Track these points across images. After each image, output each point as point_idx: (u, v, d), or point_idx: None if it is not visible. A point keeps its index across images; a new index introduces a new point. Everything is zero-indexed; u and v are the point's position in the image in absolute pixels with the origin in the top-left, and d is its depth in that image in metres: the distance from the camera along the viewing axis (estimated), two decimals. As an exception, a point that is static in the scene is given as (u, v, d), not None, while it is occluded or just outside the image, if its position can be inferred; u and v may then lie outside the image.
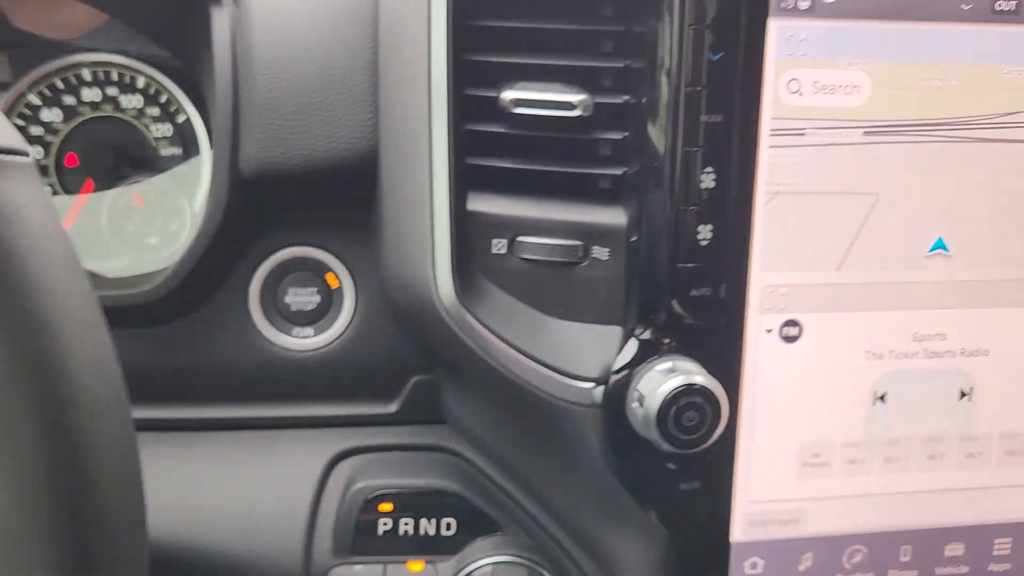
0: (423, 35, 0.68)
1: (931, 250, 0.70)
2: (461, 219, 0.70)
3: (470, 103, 0.69)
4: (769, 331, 0.70)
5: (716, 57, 0.64)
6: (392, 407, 0.80)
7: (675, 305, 0.67)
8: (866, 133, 0.67)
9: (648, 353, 0.68)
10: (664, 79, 0.64)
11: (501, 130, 0.69)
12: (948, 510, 0.76)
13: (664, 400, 0.64)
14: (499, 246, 0.71)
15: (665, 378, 0.65)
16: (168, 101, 0.87)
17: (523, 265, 0.71)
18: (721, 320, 0.68)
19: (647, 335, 0.68)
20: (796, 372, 0.71)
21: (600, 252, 0.70)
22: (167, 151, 0.88)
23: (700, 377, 0.65)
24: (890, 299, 0.71)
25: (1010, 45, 0.68)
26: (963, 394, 0.74)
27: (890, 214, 0.69)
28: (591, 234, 0.70)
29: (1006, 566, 0.78)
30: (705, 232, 0.67)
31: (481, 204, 0.71)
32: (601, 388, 0.68)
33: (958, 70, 0.68)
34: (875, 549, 0.75)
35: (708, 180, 0.66)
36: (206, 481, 0.78)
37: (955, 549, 0.77)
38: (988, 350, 0.73)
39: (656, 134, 0.65)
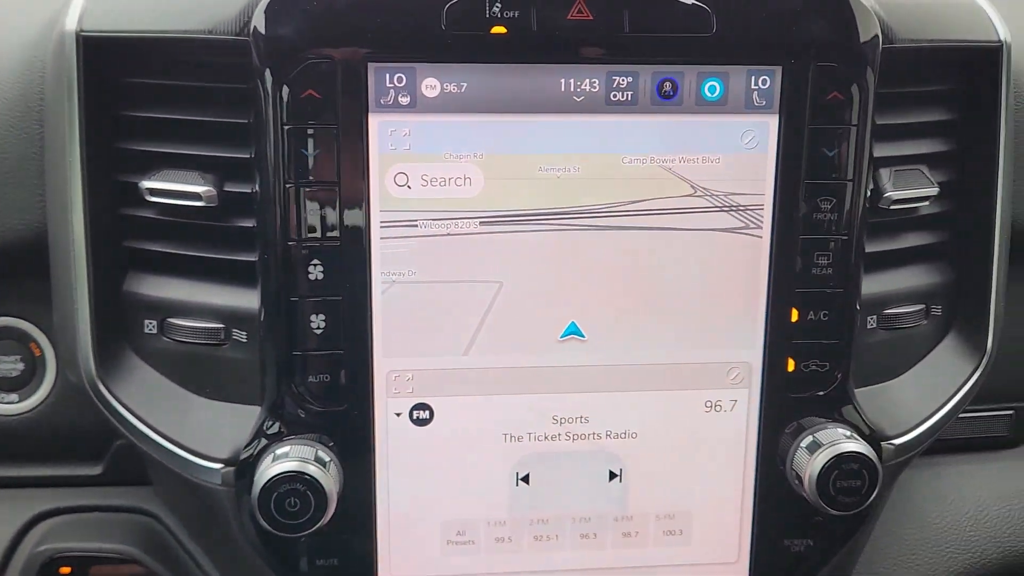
0: (65, 123, 0.70)
1: (564, 335, 0.71)
2: (112, 300, 0.72)
3: (123, 189, 0.72)
4: (399, 415, 0.71)
5: (312, 154, 0.65)
6: (97, 469, 0.83)
7: (297, 390, 0.69)
8: (483, 223, 0.68)
9: (275, 436, 0.70)
10: (268, 173, 0.66)
11: (147, 215, 0.72)
12: (606, 588, 0.76)
13: (263, 486, 0.66)
14: (151, 326, 0.73)
15: (272, 465, 0.67)
16: None
17: (173, 345, 0.73)
18: (344, 405, 0.70)
19: (274, 418, 0.70)
20: (432, 454, 0.72)
21: (239, 335, 0.72)
22: None
23: (311, 467, 0.67)
24: (524, 383, 0.71)
25: (628, 134, 0.68)
26: (613, 475, 0.74)
27: (517, 300, 0.70)
28: (232, 318, 0.72)
29: (675, 642, 0.78)
30: (318, 321, 0.68)
31: (136, 285, 0.73)
32: (231, 470, 0.70)
33: (578, 160, 0.68)
34: (533, 624, 0.76)
35: (316, 272, 0.67)
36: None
37: (619, 625, 0.77)
38: (636, 432, 0.73)
39: (266, 225, 0.67)
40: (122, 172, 0.72)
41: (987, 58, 0.77)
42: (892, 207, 0.76)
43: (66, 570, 0.77)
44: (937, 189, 0.77)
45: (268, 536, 0.70)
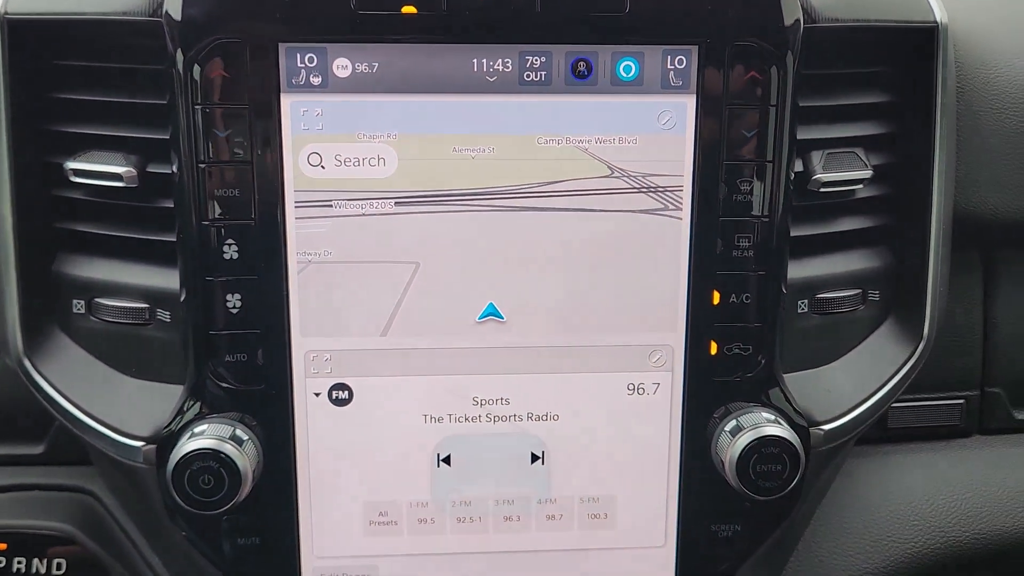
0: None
1: (482, 316, 0.71)
2: (42, 280, 0.73)
3: (51, 170, 0.73)
4: (318, 394, 0.71)
5: (224, 134, 0.66)
6: (39, 448, 0.84)
7: (215, 369, 0.70)
8: (398, 204, 0.68)
9: (196, 415, 0.70)
10: (182, 153, 0.66)
11: (74, 196, 0.73)
12: (531, 571, 0.76)
13: (177, 463, 0.67)
14: (79, 306, 0.74)
15: (187, 442, 0.68)
16: None
17: (100, 325, 0.74)
18: (262, 384, 0.70)
19: (195, 397, 0.70)
20: (352, 434, 0.72)
21: (163, 315, 0.73)
22: None
23: (227, 445, 0.67)
24: (443, 364, 0.71)
25: (542, 115, 0.67)
26: (535, 457, 0.74)
27: (434, 281, 0.70)
28: (156, 298, 0.72)
29: (603, 627, 0.78)
30: (234, 301, 0.69)
31: (65, 266, 0.74)
32: (152, 448, 0.71)
33: (494, 140, 0.68)
34: (457, 606, 0.77)
35: (231, 252, 0.68)
36: None
37: (545, 608, 0.77)
38: (557, 415, 0.73)
39: (182, 205, 0.68)
40: (50, 153, 0.73)
41: (923, 40, 0.76)
42: (823, 190, 0.75)
43: (2, 546, 0.79)
44: (871, 172, 0.76)
45: (188, 514, 0.71)
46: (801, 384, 0.77)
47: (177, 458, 0.67)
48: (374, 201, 0.68)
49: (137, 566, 0.81)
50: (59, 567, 0.79)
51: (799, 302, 0.77)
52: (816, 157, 0.75)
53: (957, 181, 0.81)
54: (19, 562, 0.79)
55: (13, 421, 0.83)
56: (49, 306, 0.74)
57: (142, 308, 0.73)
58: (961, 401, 0.91)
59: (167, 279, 0.72)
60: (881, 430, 0.90)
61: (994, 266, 0.90)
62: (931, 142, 0.76)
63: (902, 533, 0.86)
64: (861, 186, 0.77)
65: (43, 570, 0.79)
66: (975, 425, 0.92)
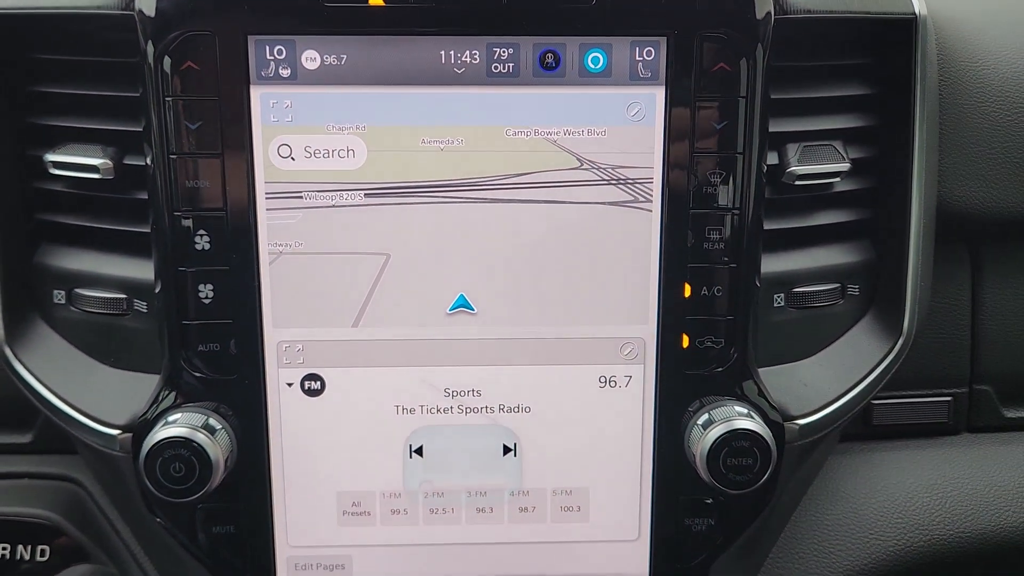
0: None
1: (452, 308, 0.71)
2: (23, 271, 0.75)
3: (32, 163, 0.74)
4: (290, 385, 0.72)
5: (195, 126, 0.66)
6: (26, 437, 0.85)
7: (189, 359, 0.70)
8: (367, 195, 0.69)
9: (171, 404, 0.71)
10: (153, 145, 0.67)
11: (54, 188, 0.74)
12: (505, 563, 0.76)
13: (149, 451, 0.68)
14: (59, 297, 0.76)
15: (159, 430, 0.68)
16: None
17: (80, 315, 0.75)
18: (235, 374, 0.71)
19: (170, 387, 0.71)
20: (325, 424, 0.72)
21: (140, 305, 0.74)
22: None
23: (199, 434, 0.68)
24: (415, 355, 0.72)
25: (510, 106, 0.68)
26: (507, 449, 0.74)
27: (405, 273, 0.70)
28: (133, 288, 0.74)
29: (576, 620, 0.78)
30: (206, 291, 0.69)
31: (46, 257, 0.76)
32: (128, 436, 0.72)
33: (462, 132, 0.68)
34: (431, 597, 0.77)
35: (203, 242, 0.68)
36: None
37: (519, 601, 0.77)
38: (529, 407, 0.73)
39: (154, 197, 0.68)
40: (30, 146, 0.74)
41: (901, 32, 0.75)
42: (799, 183, 0.74)
43: (-13, 534, 0.80)
44: (848, 165, 0.75)
45: (163, 502, 0.72)
46: (777, 378, 0.76)
47: (149, 446, 0.68)
48: (344, 193, 0.69)
49: (120, 554, 0.82)
50: (43, 554, 0.81)
51: (775, 296, 0.76)
52: (792, 150, 0.75)
53: (941, 175, 0.80)
54: (3, 548, 0.80)
55: (2, 410, 0.85)
56: (30, 296, 0.76)
57: (120, 299, 0.74)
58: (948, 399, 0.90)
59: (144, 270, 0.73)
60: (866, 427, 0.89)
61: (982, 261, 0.89)
62: (910, 135, 0.75)
63: (885, 531, 0.85)
64: (839, 179, 0.76)
65: (27, 557, 0.80)
66: (963, 423, 0.91)
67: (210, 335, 0.70)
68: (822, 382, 0.77)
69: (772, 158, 0.74)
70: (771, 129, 0.72)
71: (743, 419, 0.70)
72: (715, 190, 0.69)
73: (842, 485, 0.87)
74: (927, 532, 0.85)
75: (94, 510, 0.83)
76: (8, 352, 0.73)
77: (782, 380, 0.76)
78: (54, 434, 0.84)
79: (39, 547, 0.81)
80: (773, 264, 0.76)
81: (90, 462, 0.83)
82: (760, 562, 0.83)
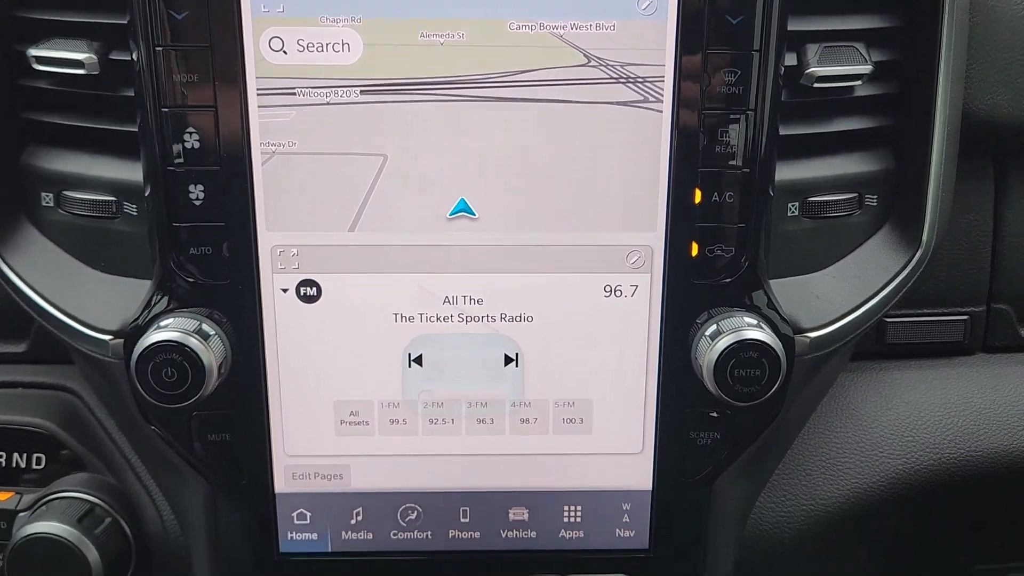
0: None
1: (453, 212, 0.68)
2: (11, 173, 0.72)
3: (16, 58, 0.71)
4: (285, 291, 0.70)
5: (181, 16, 0.63)
6: (21, 347, 0.84)
7: (180, 263, 0.68)
8: (363, 92, 0.65)
9: (164, 309, 0.69)
10: (138, 38, 0.64)
11: (40, 85, 0.71)
12: (505, 475, 0.75)
13: (140, 355, 0.66)
14: (47, 199, 0.73)
15: (151, 336, 0.67)
16: None
17: (69, 218, 0.73)
18: (228, 279, 0.69)
19: (163, 292, 0.69)
20: (321, 332, 0.71)
21: (130, 208, 0.71)
22: None
23: (191, 338, 0.66)
24: (414, 262, 0.69)
25: (514, -2, 0.64)
26: (509, 359, 0.72)
27: (403, 175, 0.67)
28: (123, 190, 0.71)
29: (578, 533, 0.77)
30: (197, 192, 0.67)
31: (34, 158, 0.73)
32: (119, 341, 0.70)
33: (463, 25, 0.64)
34: (430, 508, 0.76)
35: (192, 141, 0.66)
36: None
37: (519, 513, 0.76)
38: (532, 316, 0.71)
39: (141, 92, 0.65)
40: (13, 41, 0.71)
41: (931, -75, 0.70)
42: (817, 85, 0.71)
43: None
44: (870, 68, 0.72)
45: (156, 409, 0.71)
46: (789, 290, 0.74)
47: (140, 350, 0.66)
48: (339, 89, 0.65)
49: (116, 463, 0.81)
50: (38, 463, 0.80)
51: (789, 204, 0.73)
52: (811, 51, 0.71)
53: (968, 82, 0.76)
54: (-1, 456, 0.80)
55: (-3, 320, 0.83)
56: (18, 199, 0.73)
57: (109, 201, 0.71)
58: (965, 317, 0.87)
59: (133, 172, 0.70)
60: (879, 346, 0.86)
61: (1006, 176, 0.85)
62: (937, 37, 0.71)
63: (895, 449, 0.83)
64: (860, 83, 0.73)
65: (23, 464, 0.80)
66: (979, 342, 0.88)
67: (202, 238, 0.68)
68: (835, 295, 0.75)
69: (790, 59, 0.70)
70: (790, 28, 0.68)
71: (752, 329, 0.68)
72: (729, 90, 0.66)
73: (852, 403, 0.85)
74: (938, 451, 0.84)
75: (90, 419, 0.82)
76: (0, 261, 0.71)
77: (794, 292, 0.74)
78: (49, 344, 0.82)
79: (34, 455, 0.80)
80: (788, 172, 0.72)
81: (85, 371, 0.81)
82: (766, 478, 0.82)
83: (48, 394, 0.83)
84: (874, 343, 0.86)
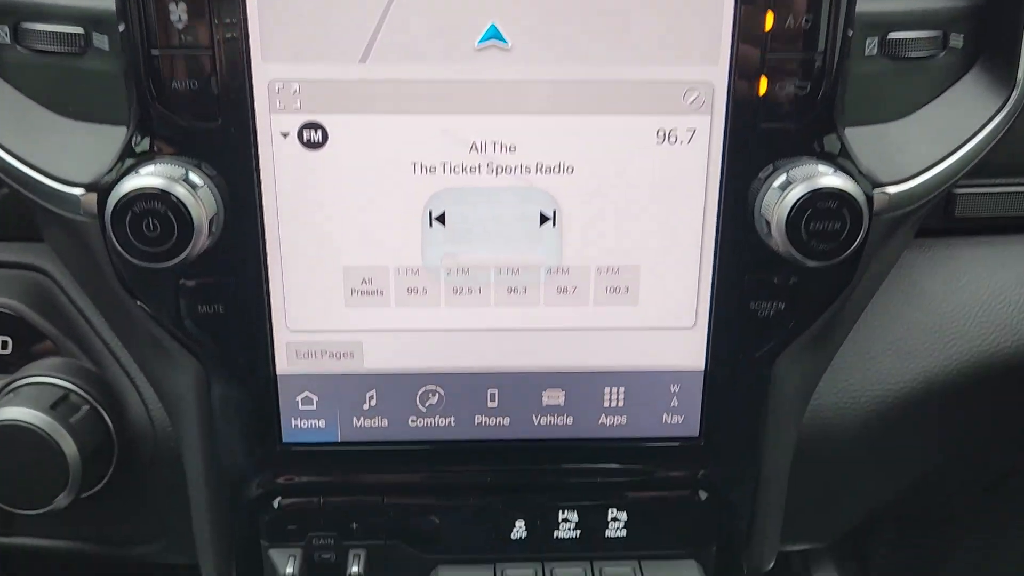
0: None
1: (482, 40, 0.58)
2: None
3: None
4: (285, 135, 0.60)
5: None
6: (-13, 223, 0.75)
7: (162, 99, 0.58)
8: None
9: (144, 157, 0.59)
10: None
11: None
12: (539, 352, 0.66)
13: (117, 205, 0.56)
14: (3, 34, 0.63)
15: (129, 181, 0.57)
16: None
17: (30, 57, 0.63)
18: (218, 120, 0.59)
19: (141, 134, 0.59)
20: (327, 184, 0.61)
21: (100, 41, 0.61)
22: None
23: (178, 186, 0.56)
24: (436, 100, 0.59)
25: None
26: (545, 218, 0.62)
27: (423, -7, 0.57)
28: (91, 20, 0.61)
29: (619, 419, 0.68)
30: (179, 12, 0.56)
31: (-13, -15, 0.62)
32: (92, 196, 0.60)
33: None
34: (453, 391, 0.67)
35: (172, -54, 0.55)
36: None
37: (554, 397, 0.67)
38: (572, 167, 0.61)
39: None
40: None
41: None
42: None
43: (-57, 323, 0.70)
44: None
45: (139, 276, 0.61)
46: (866, 140, 0.64)
47: (117, 198, 0.56)
48: None
49: (93, 346, 0.71)
50: (4, 346, 0.71)
51: (867, 40, 0.64)
52: None
53: None
54: (-37, 339, 0.71)
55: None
56: (-31, 33, 0.63)
57: (76, 33, 0.61)
58: (1045, 187, 0.78)
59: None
60: (948, 220, 0.77)
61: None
62: None
63: (968, 330, 0.75)
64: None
65: (-10, 348, 0.71)
66: None
67: (186, 69, 0.57)
68: (918, 145, 0.65)
69: None
70: None
71: (829, 176, 0.59)
72: None
73: (920, 282, 0.76)
74: (1014, 331, 0.75)
75: (63, 300, 0.72)
76: None
77: (871, 142, 0.64)
78: (15, 220, 0.73)
79: (0, 339, 0.71)
80: (867, 2, 0.63)
81: (57, 246, 0.72)
82: (827, 360, 0.73)
83: (15, 273, 0.73)
84: (942, 217, 0.77)
